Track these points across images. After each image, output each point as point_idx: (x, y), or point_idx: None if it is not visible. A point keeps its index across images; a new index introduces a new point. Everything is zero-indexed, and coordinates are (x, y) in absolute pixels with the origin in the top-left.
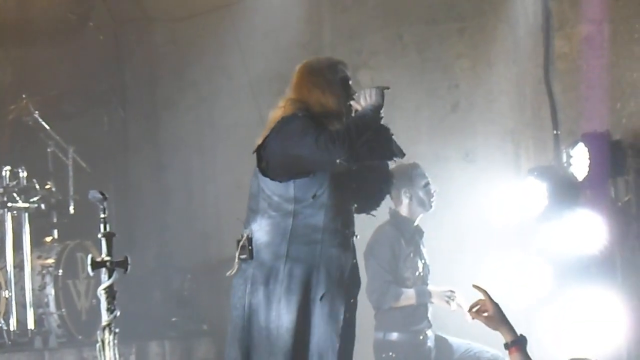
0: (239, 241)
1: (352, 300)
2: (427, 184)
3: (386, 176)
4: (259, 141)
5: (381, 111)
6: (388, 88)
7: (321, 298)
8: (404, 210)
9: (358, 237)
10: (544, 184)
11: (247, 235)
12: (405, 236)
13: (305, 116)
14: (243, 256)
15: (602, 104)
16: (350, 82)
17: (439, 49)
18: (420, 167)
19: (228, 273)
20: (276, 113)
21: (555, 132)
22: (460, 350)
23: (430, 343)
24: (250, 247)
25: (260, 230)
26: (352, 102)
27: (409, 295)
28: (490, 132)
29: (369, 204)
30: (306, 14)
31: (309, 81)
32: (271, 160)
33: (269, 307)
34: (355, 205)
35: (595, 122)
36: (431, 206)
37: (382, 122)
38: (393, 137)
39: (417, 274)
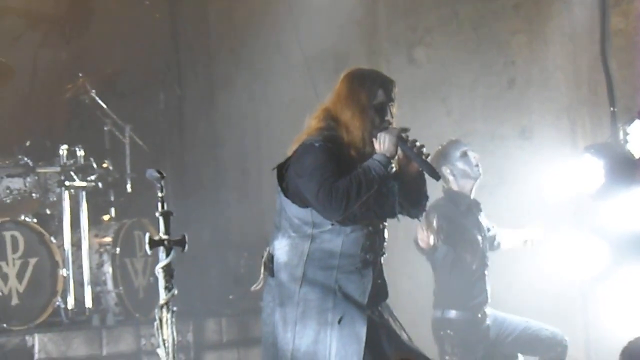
0: (262, 257)
1: (377, 313)
2: (464, 153)
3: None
4: (290, 151)
5: (392, 161)
6: (408, 130)
7: (339, 321)
8: (454, 186)
9: (386, 255)
10: (600, 161)
11: (269, 252)
12: (460, 208)
13: (321, 149)
14: (266, 273)
15: None
16: (389, 106)
17: (494, 26)
18: (456, 141)
19: (252, 287)
20: (310, 123)
21: (611, 109)
22: (519, 328)
23: (488, 321)
24: (271, 266)
25: (281, 250)
26: (374, 140)
27: None
28: (547, 109)
29: (411, 214)
30: None
31: (345, 99)
32: (290, 185)
33: (285, 328)
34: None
35: None
36: (479, 173)
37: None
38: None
39: (475, 245)
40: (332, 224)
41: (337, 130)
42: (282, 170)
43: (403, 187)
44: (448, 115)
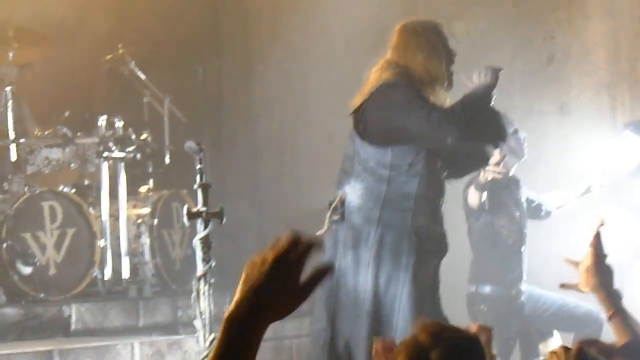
0: (330, 202)
1: (434, 266)
2: (515, 131)
3: (482, 153)
4: (357, 102)
5: (493, 92)
6: (501, 69)
7: (413, 264)
8: None
9: (447, 204)
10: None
11: (341, 197)
12: (499, 183)
13: (409, 86)
14: (335, 217)
15: None
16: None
17: (534, 1)
18: (507, 117)
19: (318, 232)
20: (374, 75)
21: None
22: (555, 305)
23: (523, 297)
24: (342, 209)
25: (354, 194)
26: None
27: None
28: (586, 85)
29: (457, 174)
30: None
31: (413, 43)
32: (370, 126)
33: (357, 271)
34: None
35: None
36: (524, 154)
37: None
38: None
39: (513, 222)
40: (410, 164)
41: (410, 76)
42: (357, 114)
43: None
44: None
